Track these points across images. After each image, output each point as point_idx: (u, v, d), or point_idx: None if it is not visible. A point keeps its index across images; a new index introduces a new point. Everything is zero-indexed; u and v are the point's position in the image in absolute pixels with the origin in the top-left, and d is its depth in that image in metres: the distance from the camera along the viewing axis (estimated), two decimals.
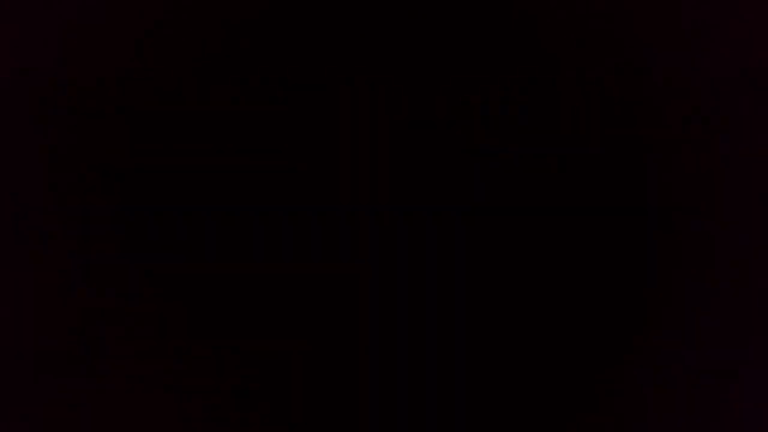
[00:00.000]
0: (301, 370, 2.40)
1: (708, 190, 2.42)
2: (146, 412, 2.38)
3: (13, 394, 2.37)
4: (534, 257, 2.43)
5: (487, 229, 2.43)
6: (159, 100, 2.46)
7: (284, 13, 2.48)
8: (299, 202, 2.45)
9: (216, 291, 2.42)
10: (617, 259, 2.42)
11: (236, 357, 2.39)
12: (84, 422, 2.38)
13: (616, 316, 2.41)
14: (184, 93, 2.47)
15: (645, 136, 2.44)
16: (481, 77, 2.47)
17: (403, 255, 2.42)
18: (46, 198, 2.43)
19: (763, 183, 2.41)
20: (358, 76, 2.47)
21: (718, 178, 2.42)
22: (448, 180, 2.44)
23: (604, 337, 2.40)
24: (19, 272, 2.41)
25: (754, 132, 2.43)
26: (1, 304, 2.40)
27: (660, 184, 2.43)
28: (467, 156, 2.45)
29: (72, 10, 2.46)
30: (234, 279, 2.42)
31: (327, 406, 2.39)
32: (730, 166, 2.42)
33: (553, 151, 2.45)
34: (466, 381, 2.40)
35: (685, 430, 2.35)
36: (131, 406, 2.38)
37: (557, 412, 2.38)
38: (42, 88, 2.45)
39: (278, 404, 2.39)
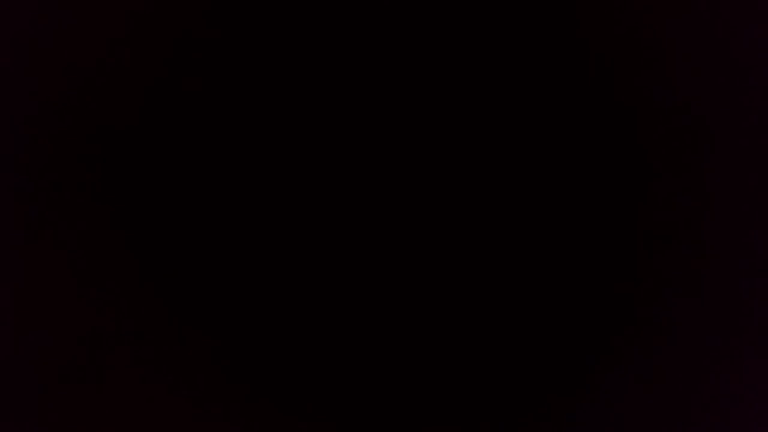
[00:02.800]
0: None
1: (707, 189, 2.43)
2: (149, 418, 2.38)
3: (17, 402, 2.37)
4: (530, 259, 2.43)
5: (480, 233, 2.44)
6: (158, 100, 2.48)
7: (284, 13, 2.50)
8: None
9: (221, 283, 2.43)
10: (614, 259, 2.43)
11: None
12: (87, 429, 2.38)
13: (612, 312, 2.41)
14: (183, 93, 2.48)
15: (644, 139, 2.46)
16: (482, 77, 2.49)
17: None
18: (48, 205, 2.44)
19: (762, 182, 2.42)
20: (359, 75, 2.49)
21: (717, 177, 2.43)
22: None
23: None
24: (21, 278, 2.42)
25: (754, 131, 2.44)
26: (3, 311, 2.41)
27: (659, 184, 2.44)
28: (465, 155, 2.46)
29: (70, 12, 2.48)
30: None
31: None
32: (729, 166, 2.43)
33: (553, 151, 2.46)
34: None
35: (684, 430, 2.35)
36: (134, 414, 2.38)
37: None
38: (42, 92, 2.47)
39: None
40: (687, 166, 2.44)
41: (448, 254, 2.44)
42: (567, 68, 2.47)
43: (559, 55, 2.48)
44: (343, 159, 2.46)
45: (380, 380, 2.40)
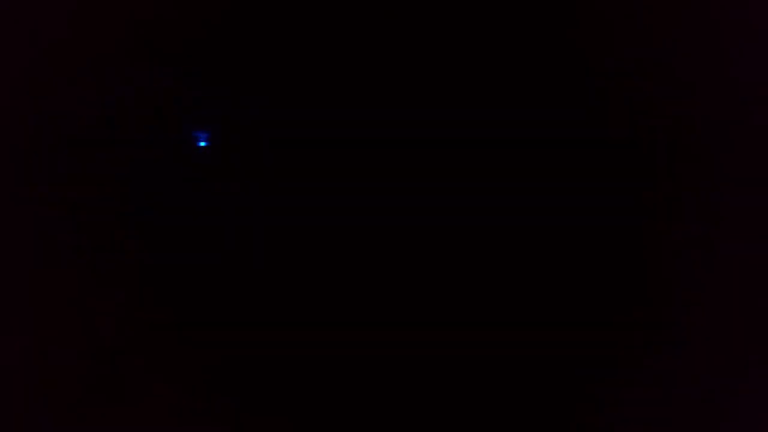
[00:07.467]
0: None
1: (709, 189, 2.43)
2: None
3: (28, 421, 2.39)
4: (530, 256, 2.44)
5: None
6: (159, 100, 2.48)
7: (285, 13, 2.49)
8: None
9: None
10: (614, 259, 2.43)
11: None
12: None
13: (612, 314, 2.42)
14: (182, 93, 2.48)
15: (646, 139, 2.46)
16: (485, 76, 2.49)
17: None
18: (59, 218, 2.44)
19: (763, 183, 2.43)
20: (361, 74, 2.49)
21: (719, 178, 2.44)
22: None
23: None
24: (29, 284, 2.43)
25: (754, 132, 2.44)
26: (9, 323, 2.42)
27: (660, 183, 2.44)
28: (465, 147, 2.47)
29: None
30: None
31: None
32: (730, 167, 2.44)
33: (551, 149, 2.46)
34: None
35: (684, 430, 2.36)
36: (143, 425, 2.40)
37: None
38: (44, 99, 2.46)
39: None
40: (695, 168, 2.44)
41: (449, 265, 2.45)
42: (571, 68, 2.47)
43: (563, 55, 2.47)
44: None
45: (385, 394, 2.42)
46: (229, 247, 2.45)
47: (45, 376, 2.38)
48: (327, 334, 2.42)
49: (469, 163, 2.47)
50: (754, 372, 2.36)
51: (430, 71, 2.48)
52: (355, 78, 2.49)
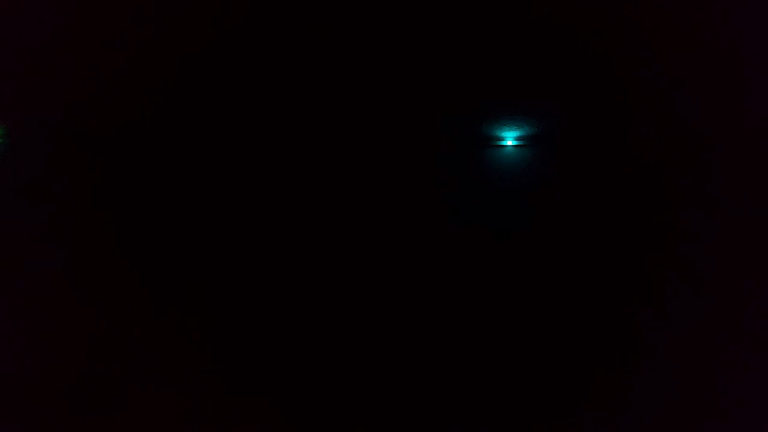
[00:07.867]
0: None
1: (709, 191, 2.43)
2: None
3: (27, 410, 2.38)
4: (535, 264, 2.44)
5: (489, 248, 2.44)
6: (161, 104, 2.48)
7: (285, 13, 2.49)
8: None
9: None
10: (614, 258, 2.43)
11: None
12: None
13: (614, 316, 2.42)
14: (183, 92, 2.48)
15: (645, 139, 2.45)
16: (487, 78, 2.48)
17: None
18: (62, 223, 2.44)
19: (762, 187, 2.42)
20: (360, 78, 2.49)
21: (718, 182, 2.43)
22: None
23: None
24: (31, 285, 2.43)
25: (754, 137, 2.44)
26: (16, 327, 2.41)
27: (660, 187, 2.44)
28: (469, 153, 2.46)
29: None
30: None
31: None
32: (730, 171, 2.43)
33: (553, 151, 2.46)
34: None
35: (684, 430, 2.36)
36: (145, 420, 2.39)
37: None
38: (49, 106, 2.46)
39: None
40: (690, 169, 2.44)
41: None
42: (570, 68, 2.46)
43: (562, 55, 2.47)
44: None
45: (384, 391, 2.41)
46: (230, 247, 2.45)
47: (44, 376, 2.38)
48: (327, 335, 2.41)
49: (469, 163, 2.47)
50: (754, 372, 2.35)
51: (429, 71, 2.48)
52: (355, 78, 2.49)
